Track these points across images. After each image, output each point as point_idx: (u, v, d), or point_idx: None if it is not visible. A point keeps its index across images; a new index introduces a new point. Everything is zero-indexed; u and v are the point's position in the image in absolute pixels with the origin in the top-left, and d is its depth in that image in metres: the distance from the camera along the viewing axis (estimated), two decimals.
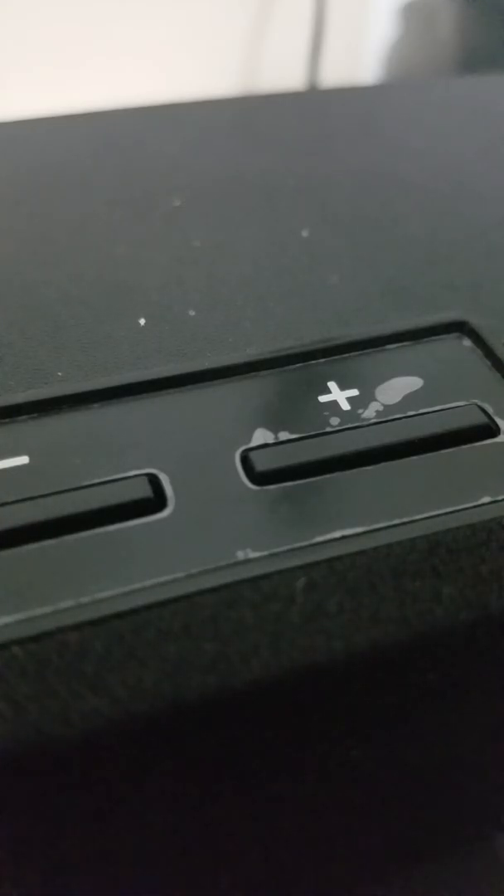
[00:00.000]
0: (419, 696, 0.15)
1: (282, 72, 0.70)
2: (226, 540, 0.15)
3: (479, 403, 0.17)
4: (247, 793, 0.16)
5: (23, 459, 0.16)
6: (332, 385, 0.17)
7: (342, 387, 0.17)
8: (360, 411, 0.17)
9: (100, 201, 0.24)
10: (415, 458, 0.16)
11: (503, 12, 0.66)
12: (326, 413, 0.17)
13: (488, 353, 0.18)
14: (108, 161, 0.26)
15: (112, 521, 0.15)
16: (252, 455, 0.16)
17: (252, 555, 0.14)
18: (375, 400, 0.17)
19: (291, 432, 0.16)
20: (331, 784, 0.17)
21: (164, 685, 0.13)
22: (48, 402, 0.17)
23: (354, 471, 0.16)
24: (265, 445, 0.16)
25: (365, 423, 0.17)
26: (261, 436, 0.16)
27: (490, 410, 0.17)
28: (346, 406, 0.17)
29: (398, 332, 0.18)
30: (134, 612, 0.13)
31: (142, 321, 0.19)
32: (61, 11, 0.62)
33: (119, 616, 0.13)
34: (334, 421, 0.17)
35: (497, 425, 0.17)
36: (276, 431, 0.16)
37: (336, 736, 0.15)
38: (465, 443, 0.16)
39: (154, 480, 0.15)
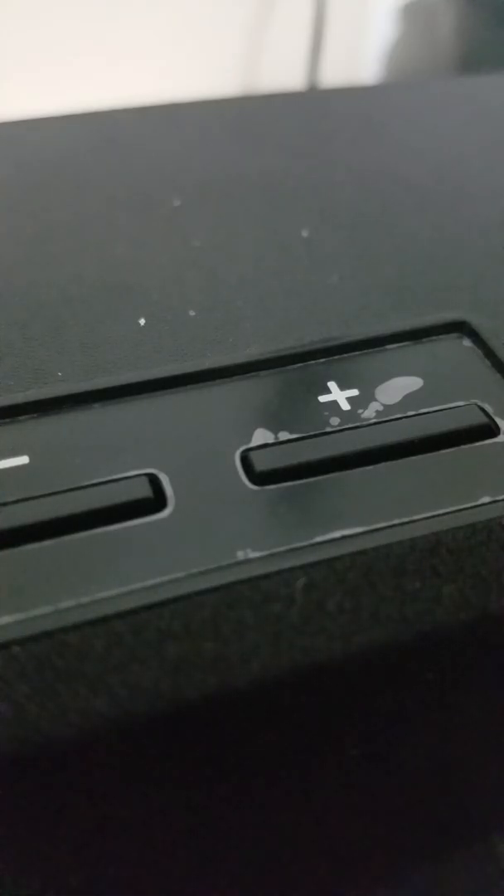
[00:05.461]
0: (419, 696, 0.15)
1: (282, 72, 0.70)
2: (226, 540, 0.15)
3: (479, 403, 0.17)
4: (247, 792, 0.16)
5: (23, 459, 0.16)
6: (332, 385, 0.17)
7: (342, 387, 0.17)
8: (360, 411, 0.17)
9: (100, 201, 0.24)
10: (415, 458, 0.16)
11: (503, 12, 0.66)
12: (326, 413, 0.17)
13: (488, 353, 0.18)
14: (108, 161, 0.26)
15: (112, 521, 0.15)
16: (252, 455, 0.16)
17: (252, 555, 0.14)
18: (375, 400, 0.17)
19: (291, 432, 0.16)
20: (330, 784, 0.17)
21: (164, 685, 0.13)
22: (48, 402, 0.17)
23: (354, 471, 0.16)
24: (265, 445, 0.16)
25: (365, 423, 0.17)
26: (261, 436, 0.16)
27: (490, 410, 0.17)
28: (346, 406, 0.17)
29: (398, 332, 0.18)
30: (134, 612, 0.13)
31: (142, 321, 0.19)
32: (61, 11, 0.62)
33: (119, 616, 0.13)
34: (334, 421, 0.17)
35: (497, 425, 0.17)
36: (276, 431, 0.16)
37: (336, 736, 0.15)
38: (465, 443, 0.16)
39: (154, 480, 0.15)
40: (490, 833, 0.21)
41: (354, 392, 0.17)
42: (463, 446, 0.16)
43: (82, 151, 0.26)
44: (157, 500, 0.15)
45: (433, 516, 0.15)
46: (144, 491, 0.15)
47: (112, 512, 0.15)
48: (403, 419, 0.17)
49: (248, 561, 0.14)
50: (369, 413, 0.17)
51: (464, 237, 0.22)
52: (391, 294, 0.20)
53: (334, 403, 0.17)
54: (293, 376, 0.18)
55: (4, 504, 0.15)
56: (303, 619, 0.14)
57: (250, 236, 0.22)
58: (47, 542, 0.14)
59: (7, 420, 0.17)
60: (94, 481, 0.15)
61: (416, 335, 0.18)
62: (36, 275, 0.21)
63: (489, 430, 0.16)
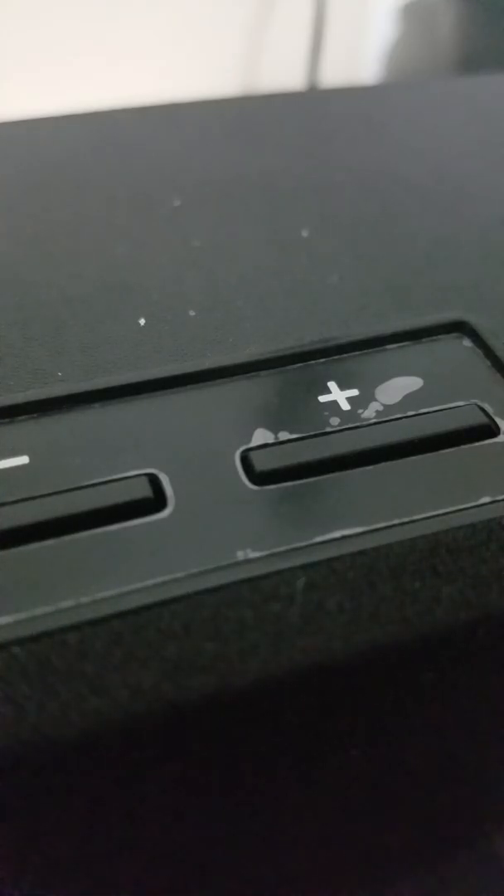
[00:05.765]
0: (419, 695, 0.15)
1: (282, 72, 0.70)
2: (226, 540, 0.15)
3: (479, 403, 0.17)
4: (247, 792, 0.16)
5: (23, 459, 0.16)
6: (332, 385, 0.17)
7: (342, 387, 0.17)
8: (360, 411, 0.17)
9: (100, 201, 0.24)
10: (415, 458, 0.16)
11: (503, 12, 0.66)
12: (326, 413, 0.17)
13: (488, 353, 0.18)
14: (108, 161, 0.26)
15: (112, 521, 0.15)
16: (252, 455, 0.16)
17: (252, 555, 0.14)
18: (375, 400, 0.17)
19: (291, 432, 0.16)
20: (330, 784, 0.17)
21: (164, 685, 0.13)
22: (48, 402, 0.17)
23: (354, 471, 0.16)
24: (265, 445, 0.16)
25: (365, 423, 0.17)
26: (261, 436, 0.16)
27: (490, 410, 0.17)
28: (346, 406, 0.17)
29: (398, 332, 0.18)
30: (134, 612, 0.13)
31: (142, 321, 0.19)
32: (61, 11, 0.62)
33: (119, 616, 0.13)
34: (334, 421, 0.17)
35: (497, 425, 0.17)
36: (276, 431, 0.16)
37: (336, 736, 0.15)
38: (465, 443, 0.16)
39: (154, 480, 0.15)
40: (490, 833, 0.21)
41: (354, 392, 0.17)
42: (463, 446, 0.16)
43: (82, 151, 0.26)
44: (157, 500, 0.15)
45: (433, 516, 0.15)
46: (144, 491, 0.15)
47: (112, 512, 0.15)
48: (403, 419, 0.17)
49: (248, 561, 0.14)
50: (369, 413, 0.17)
51: (464, 237, 0.22)
52: (391, 294, 0.20)
53: (334, 403, 0.17)
54: (293, 376, 0.18)
55: (4, 504, 0.15)
56: (303, 619, 0.14)
57: (250, 236, 0.22)
58: (47, 542, 0.14)
59: (7, 420, 0.17)
60: (94, 481, 0.15)
61: (416, 335, 0.18)
62: (36, 275, 0.21)
63: (489, 430, 0.16)
